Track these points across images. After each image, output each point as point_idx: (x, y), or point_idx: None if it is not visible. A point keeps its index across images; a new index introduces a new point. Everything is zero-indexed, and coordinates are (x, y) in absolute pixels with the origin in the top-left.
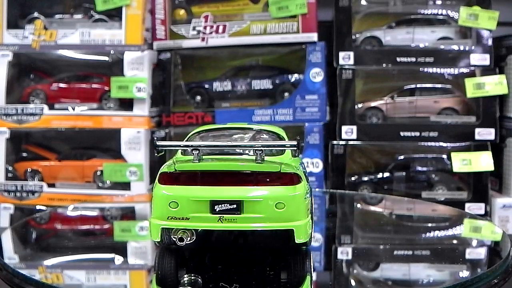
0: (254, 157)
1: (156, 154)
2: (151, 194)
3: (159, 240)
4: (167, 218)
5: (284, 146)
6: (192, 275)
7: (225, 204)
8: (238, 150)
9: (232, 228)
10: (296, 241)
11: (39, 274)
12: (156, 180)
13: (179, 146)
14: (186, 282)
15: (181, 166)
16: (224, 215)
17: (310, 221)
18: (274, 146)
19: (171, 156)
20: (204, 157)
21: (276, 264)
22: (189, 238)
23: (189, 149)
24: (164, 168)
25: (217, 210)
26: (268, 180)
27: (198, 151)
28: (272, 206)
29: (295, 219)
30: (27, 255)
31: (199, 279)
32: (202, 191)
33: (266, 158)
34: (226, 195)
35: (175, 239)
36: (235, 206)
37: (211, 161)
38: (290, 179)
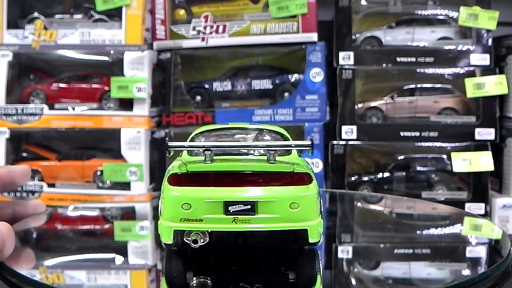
0: (264, 157)
1: (168, 155)
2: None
3: (171, 242)
4: (180, 220)
5: (298, 146)
6: (201, 277)
7: (240, 205)
8: (243, 150)
9: (247, 229)
10: (310, 241)
11: (39, 274)
12: (166, 182)
13: (191, 146)
14: (195, 284)
15: (193, 167)
16: (238, 216)
17: (321, 220)
18: (288, 146)
19: (173, 157)
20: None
21: (287, 264)
22: (202, 240)
23: (201, 149)
24: (174, 169)
25: (231, 211)
26: (281, 180)
27: (210, 152)
28: (286, 206)
29: (309, 218)
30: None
31: (209, 281)
32: (216, 192)
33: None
34: (241, 196)
35: (188, 241)
36: (249, 206)
37: (222, 162)
38: (303, 178)
